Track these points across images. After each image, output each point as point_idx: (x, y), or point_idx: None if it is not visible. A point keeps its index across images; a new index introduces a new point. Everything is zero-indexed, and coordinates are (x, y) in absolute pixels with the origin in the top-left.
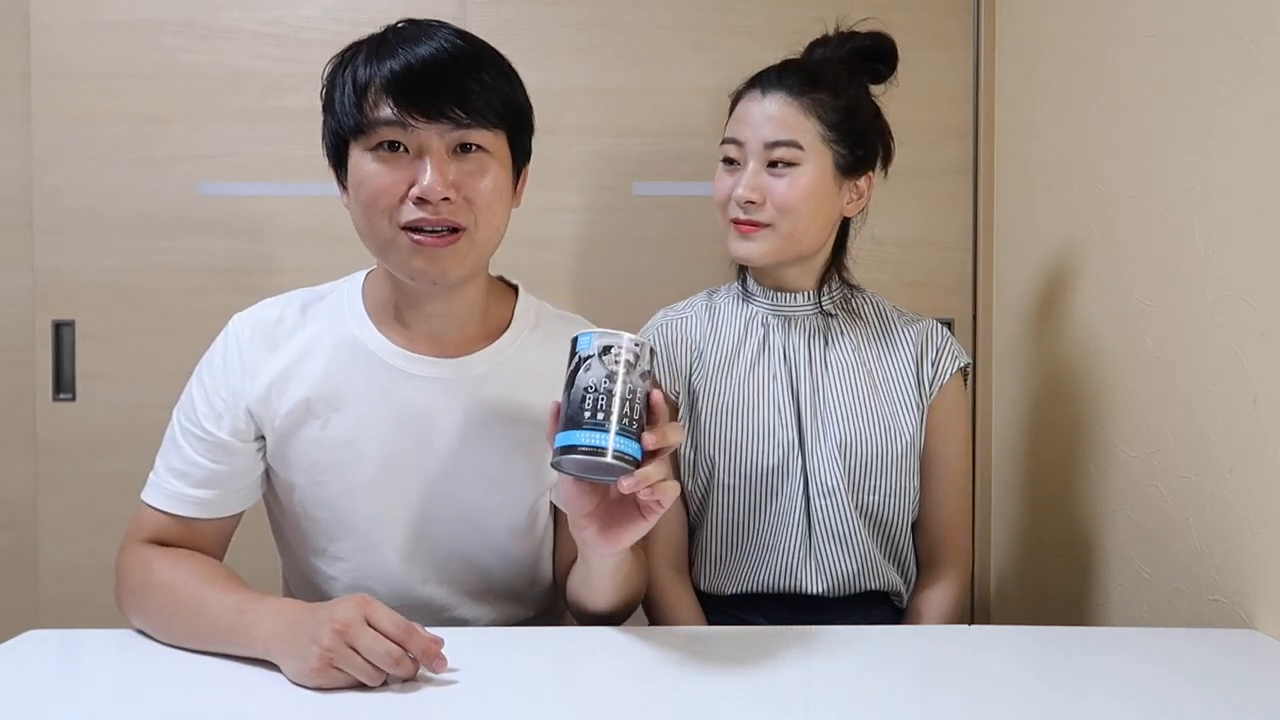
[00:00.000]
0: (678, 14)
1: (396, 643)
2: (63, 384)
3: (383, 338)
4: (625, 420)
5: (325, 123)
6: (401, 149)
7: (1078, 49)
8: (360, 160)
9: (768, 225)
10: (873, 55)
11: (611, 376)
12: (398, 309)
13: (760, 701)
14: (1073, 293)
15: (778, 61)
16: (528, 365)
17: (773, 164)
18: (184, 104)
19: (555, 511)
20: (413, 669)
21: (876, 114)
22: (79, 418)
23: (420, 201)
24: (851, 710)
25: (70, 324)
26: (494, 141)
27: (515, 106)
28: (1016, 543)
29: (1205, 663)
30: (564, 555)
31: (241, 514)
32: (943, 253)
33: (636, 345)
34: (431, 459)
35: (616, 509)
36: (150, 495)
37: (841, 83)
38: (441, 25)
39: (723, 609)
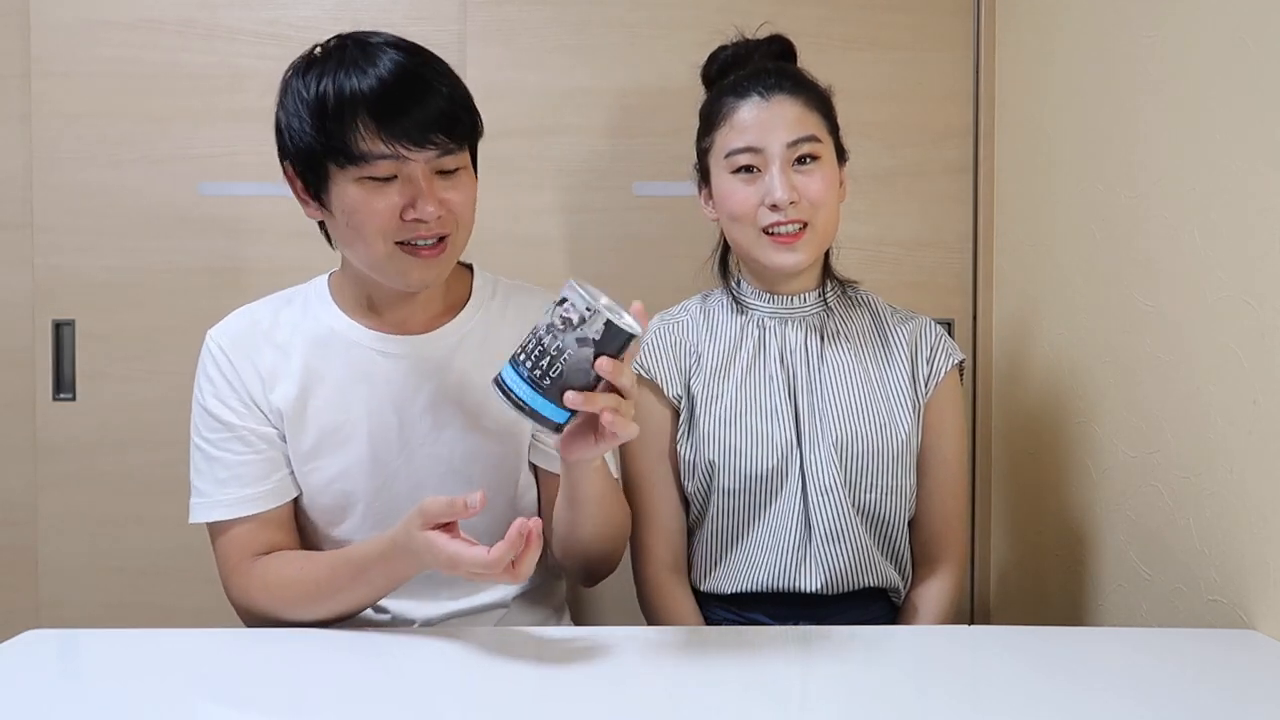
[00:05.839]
0: (678, 14)
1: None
2: (63, 384)
3: (355, 324)
4: (540, 375)
5: (287, 134)
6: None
7: (1078, 49)
8: (347, 188)
9: (805, 226)
10: (779, 56)
11: (550, 328)
12: (370, 300)
13: (759, 702)
14: (1072, 293)
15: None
16: (492, 332)
17: (800, 160)
18: (184, 104)
19: (536, 471)
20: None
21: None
22: (79, 418)
23: (415, 221)
24: (851, 710)
25: (70, 324)
26: (464, 158)
27: (474, 115)
28: (1016, 543)
29: (1205, 663)
30: (549, 509)
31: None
32: (943, 253)
33: (588, 310)
34: (415, 430)
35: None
36: (213, 512)
37: (813, 81)
38: (386, 40)
39: (722, 608)
